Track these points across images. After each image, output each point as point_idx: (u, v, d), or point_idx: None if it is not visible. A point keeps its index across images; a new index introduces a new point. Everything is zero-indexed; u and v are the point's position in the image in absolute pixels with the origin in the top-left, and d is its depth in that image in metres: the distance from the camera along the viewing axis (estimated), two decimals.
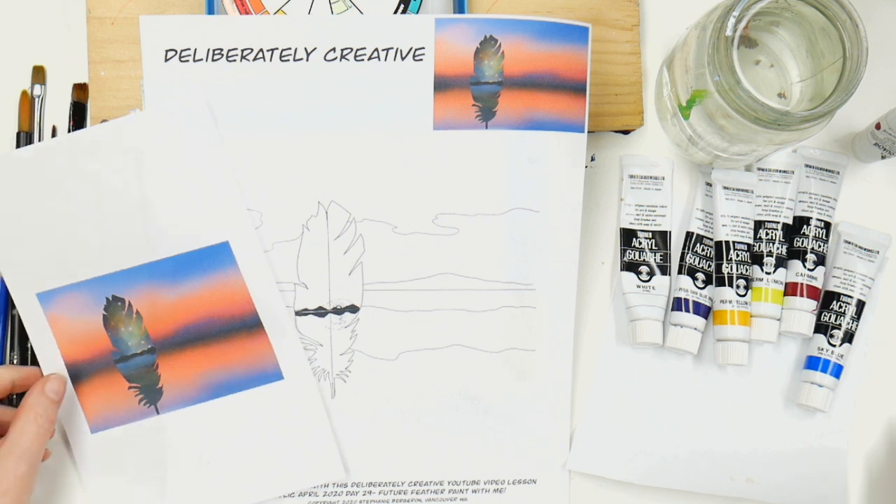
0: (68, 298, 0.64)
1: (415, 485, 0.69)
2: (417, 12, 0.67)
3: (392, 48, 0.64)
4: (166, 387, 0.65)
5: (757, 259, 0.70)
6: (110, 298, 0.64)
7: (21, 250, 0.64)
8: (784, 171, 0.71)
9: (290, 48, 0.64)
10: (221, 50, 0.63)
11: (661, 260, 0.70)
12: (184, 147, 0.64)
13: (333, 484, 0.68)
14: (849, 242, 0.71)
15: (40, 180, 0.64)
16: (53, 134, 0.71)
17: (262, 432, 0.66)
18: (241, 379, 0.66)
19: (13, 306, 0.69)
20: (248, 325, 0.65)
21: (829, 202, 0.71)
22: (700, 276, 0.70)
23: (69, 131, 0.70)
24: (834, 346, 0.70)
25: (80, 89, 0.70)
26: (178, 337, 0.65)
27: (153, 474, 0.66)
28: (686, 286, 0.70)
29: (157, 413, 0.66)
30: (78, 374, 0.65)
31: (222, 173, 0.64)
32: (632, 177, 0.72)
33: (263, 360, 0.66)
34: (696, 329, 0.69)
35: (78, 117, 0.70)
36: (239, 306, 0.65)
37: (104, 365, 0.65)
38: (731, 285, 0.69)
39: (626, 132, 0.72)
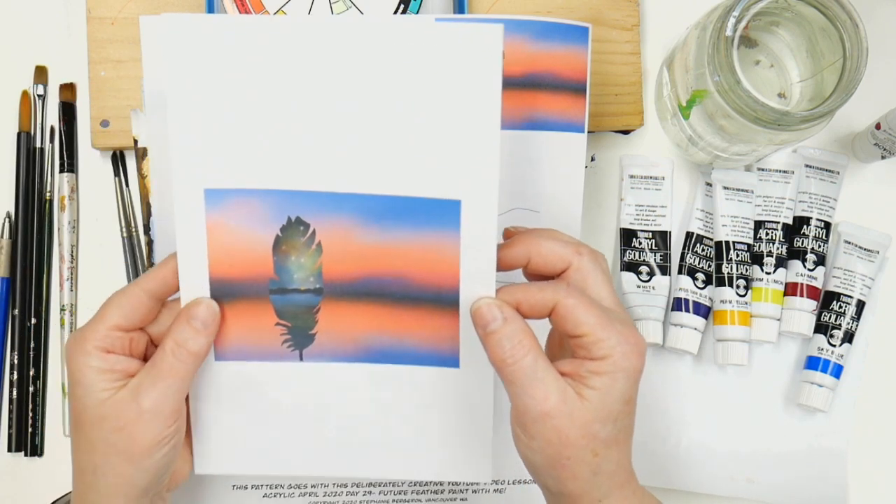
0: (242, 204, 0.53)
1: (415, 485, 0.69)
2: (417, 12, 0.67)
3: None
4: (320, 335, 0.55)
5: (757, 259, 0.70)
6: (292, 219, 0.53)
7: (204, 133, 0.52)
8: (784, 171, 0.71)
9: None
10: None
11: (661, 260, 0.70)
12: (467, 76, 0.51)
13: (333, 484, 0.68)
14: (849, 242, 0.71)
15: (263, 56, 0.51)
16: (52, 134, 0.71)
17: (414, 414, 0.58)
18: (410, 353, 0.56)
19: (13, 306, 0.69)
20: (443, 300, 0.55)
21: (829, 202, 0.71)
22: (700, 276, 0.70)
23: (61, 132, 0.70)
24: (834, 346, 0.70)
25: (68, 89, 0.71)
26: (356, 286, 0.55)
27: (274, 424, 0.57)
28: (686, 286, 0.70)
29: (300, 360, 0.56)
30: (221, 293, 0.54)
31: (489, 121, 0.52)
32: (632, 177, 0.72)
33: (443, 342, 0.56)
34: (696, 329, 0.69)
35: (68, 117, 0.70)
36: (441, 276, 0.54)
37: (255, 292, 0.54)
38: (731, 285, 0.69)
39: (626, 132, 0.72)
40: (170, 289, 0.54)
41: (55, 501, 0.58)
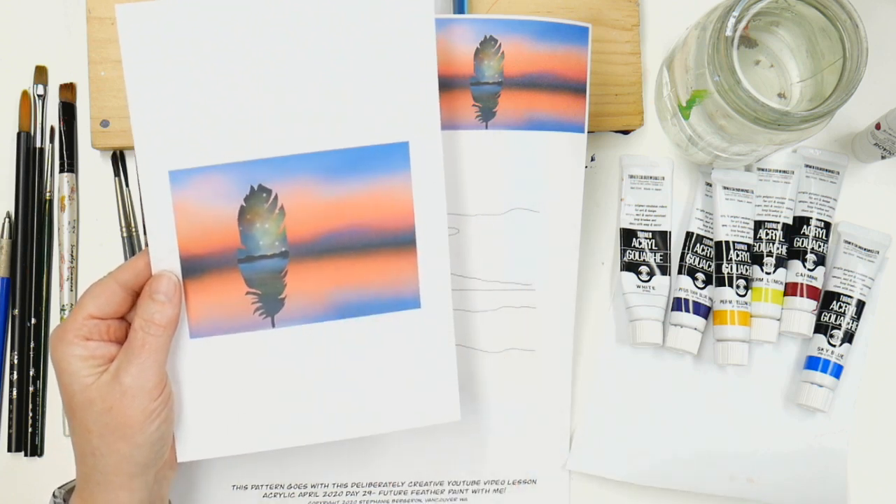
0: (206, 181, 0.56)
1: (415, 485, 0.69)
2: None
3: None
4: (290, 298, 0.58)
5: (757, 259, 0.70)
6: (255, 188, 0.56)
7: (163, 116, 0.55)
8: (784, 171, 0.71)
9: None
10: None
11: (661, 260, 0.70)
12: (394, 23, 0.56)
13: (333, 484, 0.68)
14: (849, 242, 0.71)
15: (208, 36, 0.55)
16: (52, 134, 0.71)
17: (384, 363, 0.59)
18: (374, 301, 0.58)
19: (13, 306, 0.69)
20: (400, 241, 0.58)
21: (829, 202, 0.71)
22: (700, 276, 0.70)
23: (61, 132, 0.70)
24: (834, 346, 0.70)
25: (67, 89, 0.71)
26: (319, 244, 0.57)
27: (251, 398, 0.58)
28: (686, 286, 0.70)
29: (273, 326, 0.58)
30: (191, 269, 0.56)
31: (425, 62, 0.57)
32: (632, 177, 0.72)
33: (404, 283, 0.58)
34: (696, 329, 0.69)
35: (68, 117, 0.70)
36: (397, 218, 0.58)
37: (224, 263, 0.57)
38: (731, 285, 0.69)
39: (626, 132, 0.72)
40: (143, 280, 0.56)
41: (60, 487, 0.59)
